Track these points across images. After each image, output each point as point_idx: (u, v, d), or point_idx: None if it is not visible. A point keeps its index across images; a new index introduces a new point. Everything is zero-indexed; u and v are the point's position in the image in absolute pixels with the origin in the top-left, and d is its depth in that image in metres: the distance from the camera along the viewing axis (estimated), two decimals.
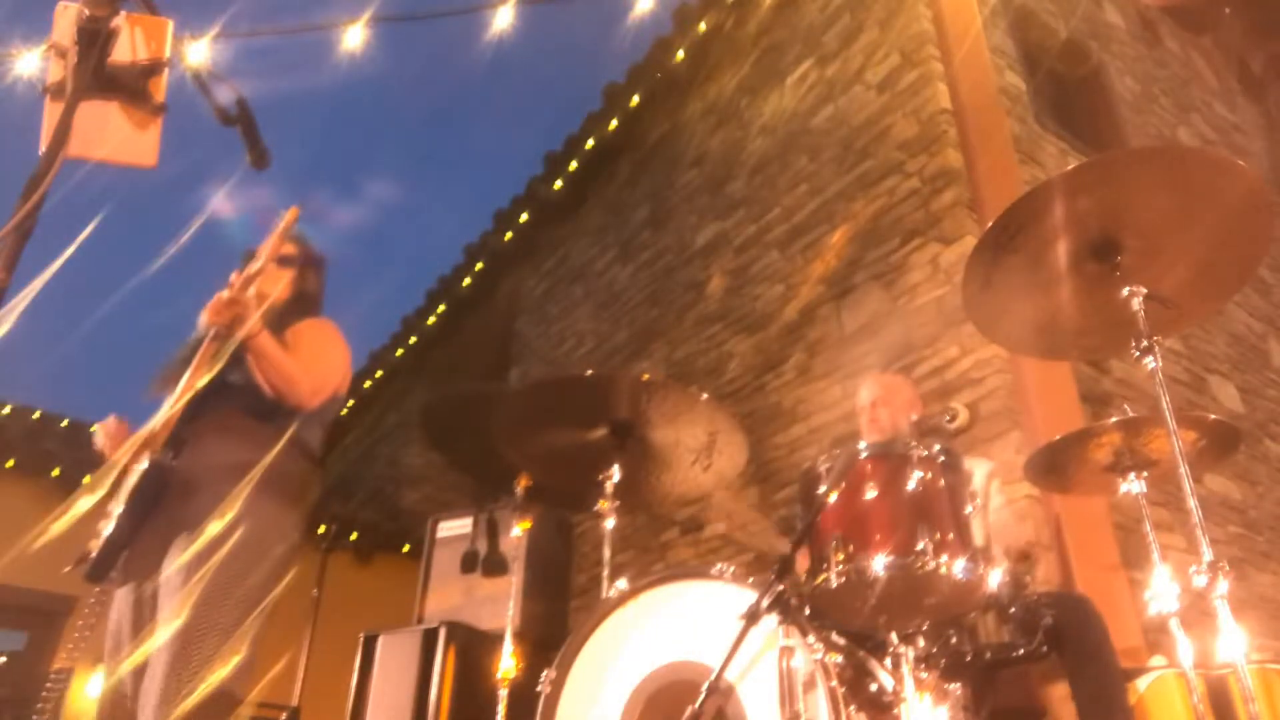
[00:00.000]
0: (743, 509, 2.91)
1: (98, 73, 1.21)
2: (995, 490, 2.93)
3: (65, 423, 6.31)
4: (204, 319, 2.13)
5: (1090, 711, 2.30)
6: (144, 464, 2.09)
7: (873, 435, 2.93)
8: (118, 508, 2.10)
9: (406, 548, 7.07)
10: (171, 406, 2.11)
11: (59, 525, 1.88)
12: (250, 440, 2.17)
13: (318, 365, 2.29)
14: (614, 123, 6.77)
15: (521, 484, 2.86)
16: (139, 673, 1.97)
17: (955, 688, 1.92)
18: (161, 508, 2.09)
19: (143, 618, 2.08)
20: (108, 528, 2.08)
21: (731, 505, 2.81)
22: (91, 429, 2.33)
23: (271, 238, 2.19)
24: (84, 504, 1.95)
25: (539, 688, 2.04)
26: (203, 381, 2.12)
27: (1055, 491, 3.12)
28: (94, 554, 2.09)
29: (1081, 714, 2.33)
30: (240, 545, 2.00)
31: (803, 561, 1.93)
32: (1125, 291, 1.87)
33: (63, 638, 5.49)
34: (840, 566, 1.78)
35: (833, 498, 1.85)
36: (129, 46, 1.33)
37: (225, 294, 2.12)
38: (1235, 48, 6.99)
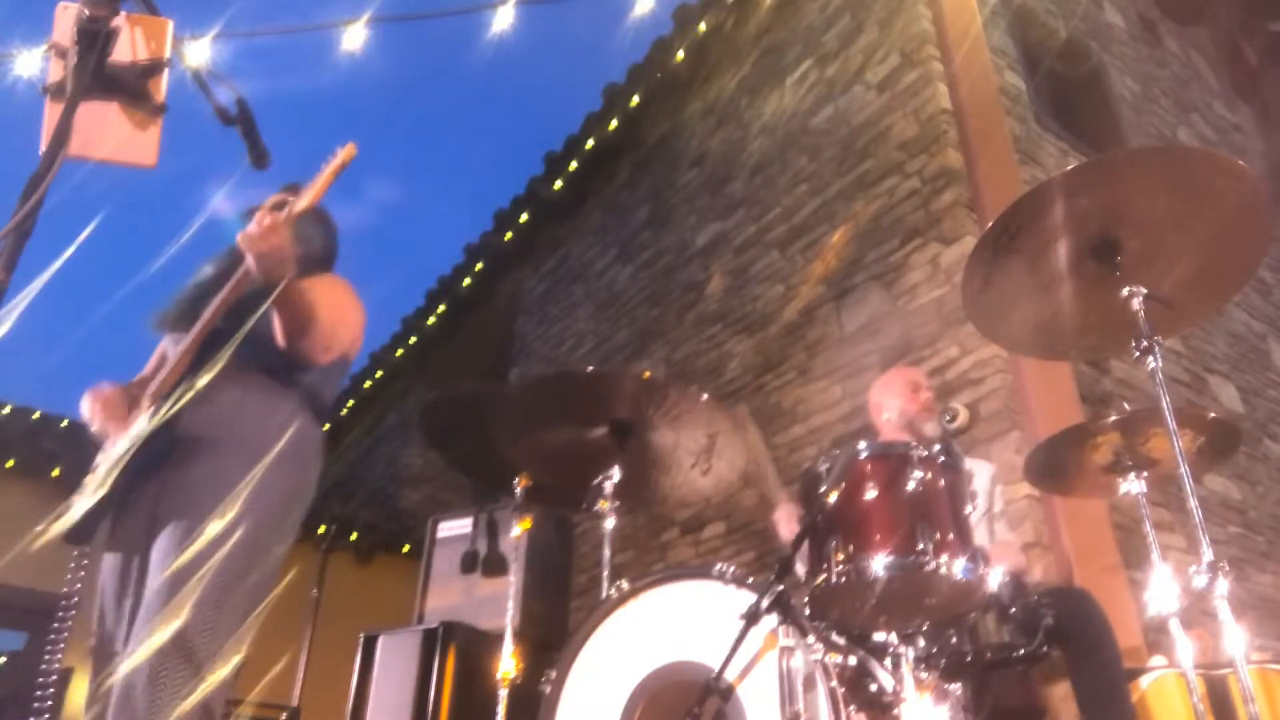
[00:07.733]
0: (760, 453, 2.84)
1: (98, 73, 1.21)
2: (999, 495, 2.92)
3: (65, 423, 6.29)
4: (246, 245, 1.84)
5: (1091, 702, 2.30)
6: (146, 416, 1.89)
7: (925, 420, 2.80)
8: (107, 462, 1.91)
9: (406, 548, 7.06)
10: (181, 354, 1.93)
11: (59, 525, 1.84)
12: (265, 399, 2.02)
13: (332, 320, 2.08)
14: (614, 123, 6.77)
15: (521, 484, 2.86)
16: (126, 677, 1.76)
17: (955, 688, 1.92)
18: (161, 467, 1.89)
19: (126, 590, 1.90)
20: (96, 486, 1.89)
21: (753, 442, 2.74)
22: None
23: (324, 173, 1.92)
24: (84, 504, 1.89)
25: (539, 687, 2.04)
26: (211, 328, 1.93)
27: (1055, 493, 3.11)
28: (78, 513, 1.89)
29: (1082, 705, 2.32)
30: (240, 544, 1.82)
31: (802, 561, 1.93)
32: (1125, 291, 1.87)
33: (64, 638, 5.47)
34: (840, 566, 1.78)
35: (833, 498, 1.85)
36: (129, 46, 1.33)
37: (267, 218, 1.83)
38: (1228, 37, 6.96)
